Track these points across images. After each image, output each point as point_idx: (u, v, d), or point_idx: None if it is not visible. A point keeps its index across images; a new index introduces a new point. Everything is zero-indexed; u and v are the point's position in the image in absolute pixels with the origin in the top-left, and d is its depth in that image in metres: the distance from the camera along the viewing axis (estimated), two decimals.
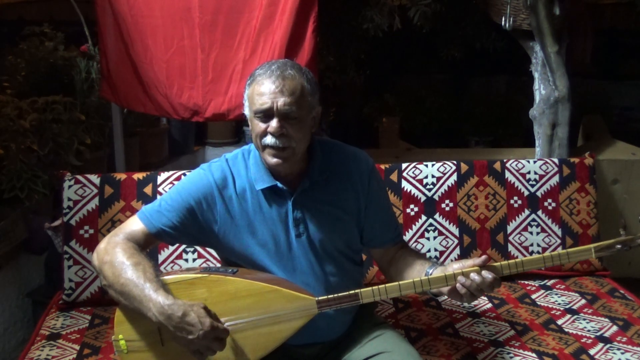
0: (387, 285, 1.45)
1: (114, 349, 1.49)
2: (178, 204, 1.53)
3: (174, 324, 1.33)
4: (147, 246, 1.53)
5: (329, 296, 1.45)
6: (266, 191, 1.55)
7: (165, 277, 1.44)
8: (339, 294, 1.45)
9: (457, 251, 2.29)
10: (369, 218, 1.63)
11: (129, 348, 1.46)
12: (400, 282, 1.46)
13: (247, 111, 1.53)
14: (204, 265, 2.12)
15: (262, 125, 1.47)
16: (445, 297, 1.51)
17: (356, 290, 1.45)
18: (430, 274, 1.50)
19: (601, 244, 1.48)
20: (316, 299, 1.45)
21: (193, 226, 1.54)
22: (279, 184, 1.54)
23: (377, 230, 1.66)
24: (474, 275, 1.43)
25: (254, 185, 1.55)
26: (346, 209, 1.60)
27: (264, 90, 1.45)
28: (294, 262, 1.55)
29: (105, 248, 1.48)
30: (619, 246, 1.48)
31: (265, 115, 1.46)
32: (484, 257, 1.45)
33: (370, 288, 1.45)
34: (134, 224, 1.54)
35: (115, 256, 1.44)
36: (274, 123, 1.45)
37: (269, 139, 1.46)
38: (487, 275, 1.43)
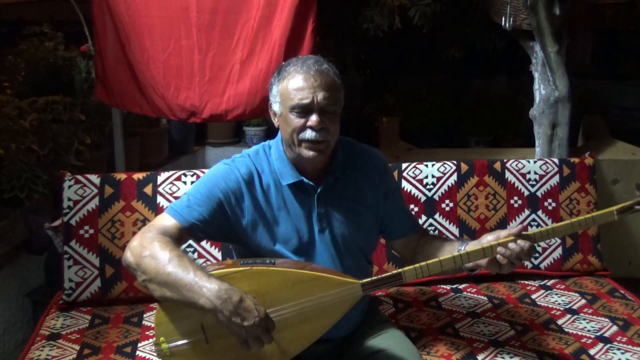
0: (428, 262, 1.45)
1: (156, 355, 1.43)
2: (207, 197, 1.52)
3: (231, 309, 1.30)
4: (179, 242, 1.48)
5: (373, 278, 1.46)
6: (292, 186, 1.56)
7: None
8: (383, 275, 1.46)
9: None
10: (388, 209, 1.67)
11: (172, 350, 1.40)
12: (441, 258, 1.46)
13: (277, 108, 1.53)
14: (204, 264, 2.11)
15: (300, 120, 1.48)
16: (479, 269, 1.52)
17: (399, 270, 1.46)
18: (463, 251, 1.50)
19: (622, 205, 1.52)
20: (360, 282, 1.45)
21: (222, 220, 1.53)
22: (305, 180, 1.55)
23: (398, 220, 1.70)
24: (512, 245, 1.45)
25: (280, 180, 1.56)
26: (365, 204, 1.63)
27: (303, 85, 1.46)
28: (316, 257, 1.57)
29: (141, 244, 1.43)
30: (638, 207, 1.52)
31: (305, 110, 1.47)
32: (519, 226, 1.48)
33: (412, 266, 1.45)
34: (166, 220, 1.50)
35: (155, 249, 1.40)
36: (314, 117, 1.46)
37: (309, 133, 1.47)
38: (524, 243, 1.45)
